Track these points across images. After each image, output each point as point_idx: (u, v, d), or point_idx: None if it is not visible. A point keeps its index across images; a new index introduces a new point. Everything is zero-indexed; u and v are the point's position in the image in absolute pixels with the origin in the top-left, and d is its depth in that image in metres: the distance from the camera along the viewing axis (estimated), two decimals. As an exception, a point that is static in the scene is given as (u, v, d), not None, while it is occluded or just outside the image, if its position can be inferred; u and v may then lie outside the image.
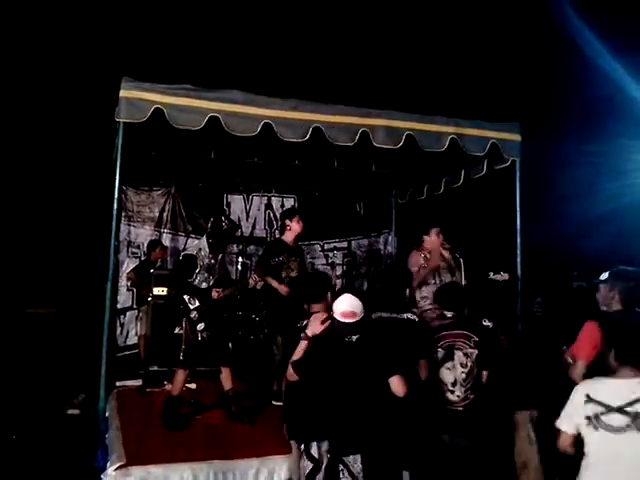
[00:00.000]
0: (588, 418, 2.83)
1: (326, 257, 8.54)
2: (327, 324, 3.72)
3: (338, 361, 3.62)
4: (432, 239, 5.69)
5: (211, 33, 8.50)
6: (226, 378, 5.33)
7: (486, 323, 4.39)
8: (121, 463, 4.09)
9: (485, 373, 4.10)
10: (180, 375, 5.26)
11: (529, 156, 5.85)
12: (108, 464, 4.13)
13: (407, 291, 4.65)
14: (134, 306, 7.64)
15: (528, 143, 5.83)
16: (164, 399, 5.34)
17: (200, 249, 5.39)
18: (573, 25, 7.84)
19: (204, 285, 5.30)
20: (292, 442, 3.97)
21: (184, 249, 7.82)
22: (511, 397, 4.17)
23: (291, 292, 5.53)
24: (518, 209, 5.93)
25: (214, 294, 5.22)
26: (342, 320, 3.65)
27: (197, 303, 5.22)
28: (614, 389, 2.86)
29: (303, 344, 3.72)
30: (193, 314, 5.22)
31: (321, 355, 3.69)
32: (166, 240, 7.90)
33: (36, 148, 8.36)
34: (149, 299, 6.87)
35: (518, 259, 5.83)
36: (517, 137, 5.80)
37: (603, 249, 6.34)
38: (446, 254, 5.68)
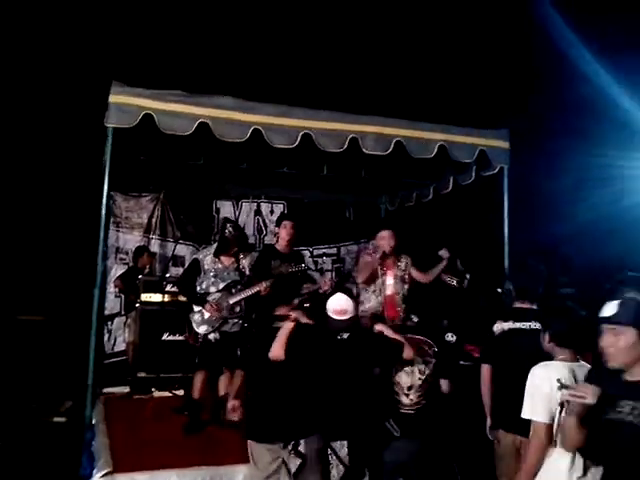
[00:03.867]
0: (561, 404, 2.77)
1: (315, 263, 8.54)
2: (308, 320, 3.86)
3: (330, 356, 3.84)
4: (378, 243, 5.71)
5: (201, 38, 8.49)
6: (223, 383, 5.35)
7: (449, 338, 4.47)
8: (108, 470, 4.07)
9: (445, 382, 4.18)
10: (197, 378, 5.31)
11: (516, 163, 5.89)
12: (94, 471, 4.11)
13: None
14: (122, 312, 7.61)
15: (516, 150, 5.87)
16: (185, 402, 5.40)
17: (207, 254, 5.44)
18: (559, 30, 7.90)
19: (212, 289, 5.33)
20: (259, 444, 3.92)
21: (173, 255, 7.83)
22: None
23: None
24: (506, 216, 5.93)
25: (207, 307, 5.22)
26: (335, 317, 3.89)
27: (199, 307, 5.26)
28: (572, 372, 2.87)
29: (289, 325, 3.82)
30: (196, 317, 5.25)
31: (313, 349, 3.91)
32: (155, 246, 7.88)
33: (23, 153, 8.31)
34: (137, 305, 6.85)
35: (506, 265, 5.85)
36: (505, 144, 5.82)
37: (589, 256, 6.38)
38: (398, 262, 5.73)
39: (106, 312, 7.49)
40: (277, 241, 5.84)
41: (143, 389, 6.29)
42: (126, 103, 4.70)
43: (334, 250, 8.82)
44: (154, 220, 7.91)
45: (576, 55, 7.82)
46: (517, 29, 8.49)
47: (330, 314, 3.94)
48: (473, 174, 6.29)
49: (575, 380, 2.83)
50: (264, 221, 8.34)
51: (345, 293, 4.02)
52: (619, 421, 2.45)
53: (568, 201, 7.37)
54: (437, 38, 8.84)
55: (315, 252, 8.65)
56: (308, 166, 6.86)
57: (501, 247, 5.94)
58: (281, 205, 8.47)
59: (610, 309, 2.57)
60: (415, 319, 4.49)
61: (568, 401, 2.61)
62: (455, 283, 5.64)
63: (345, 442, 3.83)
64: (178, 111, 4.79)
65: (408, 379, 4.13)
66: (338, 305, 3.94)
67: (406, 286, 5.68)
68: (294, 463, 3.80)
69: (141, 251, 7.46)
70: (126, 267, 7.60)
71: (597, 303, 2.66)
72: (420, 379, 4.13)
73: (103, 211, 4.95)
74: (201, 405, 5.28)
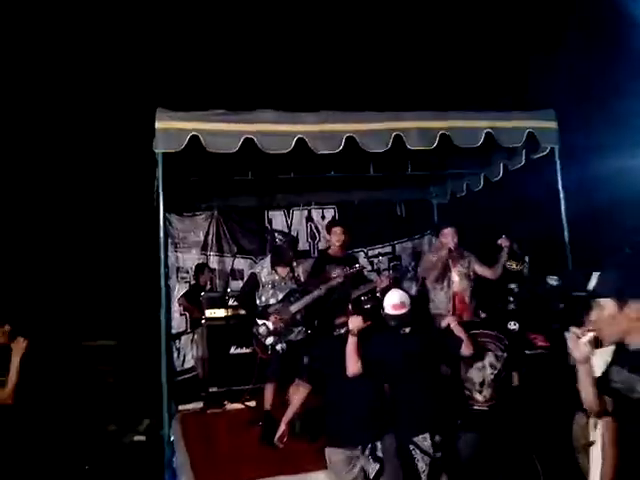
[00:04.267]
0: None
1: (371, 263, 8.52)
2: (368, 322, 3.93)
3: (397, 352, 3.94)
4: (442, 241, 5.67)
5: (236, 56, 8.64)
6: (294, 393, 5.40)
7: (512, 327, 4.41)
8: (191, 485, 4.18)
9: (515, 374, 4.13)
10: (267, 389, 5.40)
11: (566, 142, 5.74)
12: (178, 487, 4.23)
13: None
14: (188, 330, 7.78)
15: (565, 129, 5.72)
16: (258, 414, 5.45)
17: (263, 267, 5.53)
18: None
19: (272, 301, 5.41)
20: (336, 450, 3.96)
21: (232, 270, 7.95)
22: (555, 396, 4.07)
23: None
24: (562, 197, 5.81)
25: (271, 319, 5.29)
26: (393, 312, 4.03)
27: (263, 320, 5.34)
28: None
29: (353, 339, 3.86)
30: (262, 329, 5.32)
31: (378, 348, 3.99)
32: (213, 263, 8.03)
33: (84, 187, 8.63)
34: (202, 322, 7.00)
35: (567, 251, 5.71)
36: (553, 124, 5.70)
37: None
38: (461, 260, 5.68)
39: (173, 331, 7.65)
40: (329, 247, 5.91)
41: (216, 403, 6.41)
42: (172, 128, 4.85)
43: (389, 249, 8.76)
44: (210, 237, 8.04)
45: (624, 22, 7.51)
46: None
47: (388, 310, 4.07)
48: (523, 158, 6.17)
49: None
50: (316, 227, 8.35)
51: (400, 289, 4.11)
52: (615, 389, 2.47)
53: (623, 175, 7.12)
54: (470, 24, 8.72)
55: (370, 253, 8.62)
56: (355, 168, 6.87)
57: (560, 229, 5.80)
58: (332, 209, 8.48)
59: (591, 283, 2.55)
60: (483, 315, 4.43)
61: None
62: (514, 266, 5.58)
63: (427, 435, 3.85)
64: (223, 130, 4.91)
65: (480, 375, 4.09)
66: (395, 300, 4.07)
67: (471, 282, 5.67)
68: (372, 467, 3.83)
69: (201, 268, 7.63)
70: (188, 285, 7.78)
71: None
72: (492, 374, 4.09)
73: (161, 234, 5.10)
74: (273, 415, 5.35)
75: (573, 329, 2.53)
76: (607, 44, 7.79)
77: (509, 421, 4.06)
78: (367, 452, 3.87)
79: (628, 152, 7.33)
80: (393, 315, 4.06)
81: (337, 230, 5.80)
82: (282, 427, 4.17)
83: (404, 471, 3.84)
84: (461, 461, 4.01)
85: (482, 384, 4.08)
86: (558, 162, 5.76)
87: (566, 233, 5.74)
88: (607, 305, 2.48)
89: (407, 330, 4.04)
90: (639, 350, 2.42)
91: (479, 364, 4.10)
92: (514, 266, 5.67)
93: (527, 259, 5.86)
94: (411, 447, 3.84)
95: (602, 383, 2.52)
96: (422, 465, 3.82)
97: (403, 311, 4.04)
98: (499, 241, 5.67)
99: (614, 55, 7.65)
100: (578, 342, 2.48)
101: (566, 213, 5.77)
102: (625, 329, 2.46)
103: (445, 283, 5.60)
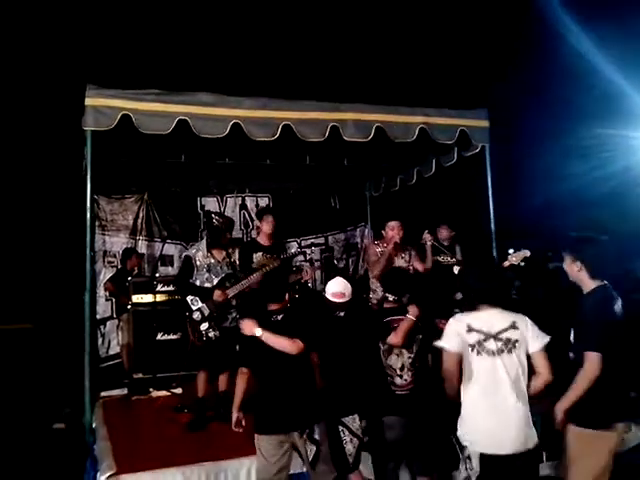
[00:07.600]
0: (472, 345, 3.34)
1: (304, 254, 8.55)
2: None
3: (330, 334, 4.05)
4: (388, 234, 5.72)
5: (176, 35, 8.42)
6: (223, 380, 5.36)
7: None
8: (112, 472, 4.06)
9: (429, 356, 4.25)
10: (200, 376, 5.33)
11: (498, 140, 5.91)
12: (98, 474, 4.10)
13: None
14: (114, 316, 7.59)
15: (496, 127, 5.88)
16: (185, 401, 5.47)
17: (198, 250, 5.42)
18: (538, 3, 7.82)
19: (207, 285, 5.30)
20: (267, 437, 3.89)
21: (161, 255, 7.79)
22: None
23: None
24: (490, 194, 5.98)
25: (217, 294, 5.19)
26: (333, 300, 4.14)
27: (200, 304, 5.22)
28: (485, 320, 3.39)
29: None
30: (196, 315, 5.22)
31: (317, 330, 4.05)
32: (142, 247, 7.85)
33: (4, 161, 8.22)
34: (129, 307, 6.84)
35: (493, 244, 5.89)
36: (485, 123, 5.84)
37: (573, 229, 6.42)
38: (402, 253, 5.75)
39: (98, 316, 7.47)
40: (259, 234, 5.87)
41: (141, 390, 6.29)
42: (103, 105, 4.67)
43: (322, 240, 8.82)
44: (140, 221, 7.87)
45: (556, 27, 7.77)
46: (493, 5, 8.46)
47: (329, 297, 4.16)
48: (455, 155, 6.31)
49: None
50: (250, 215, 8.31)
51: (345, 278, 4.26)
52: None
53: (548, 174, 7.40)
54: (410, 20, 8.82)
55: (303, 243, 8.65)
56: (291, 157, 6.85)
57: (487, 225, 5.97)
58: (266, 198, 8.45)
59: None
60: (390, 298, 4.41)
61: None
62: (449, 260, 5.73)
63: (356, 416, 3.92)
64: (156, 110, 4.77)
65: (398, 360, 4.15)
66: (335, 288, 4.16)
67: None
68: (310, 450, 3.82)
69: (129, 253, 7.43)
70: (115, 270, 7.58)
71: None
72: (410, 357, 4.15)
73: (88, 215, 4.91)
74: (205, 403, 5.29)
75: None
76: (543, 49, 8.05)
77: (429, 403, 4.14)
78: (305, 435, 3.86)
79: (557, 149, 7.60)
80: (332, 302, 4.15)
81: (268, 218, 5.76)
82: (234, 415, 4.05)
83: (332, 453, 3.87)
84: (386, 445, 4.07)
85: (402, 368, 4.14)
86: (488, 160, 5.92)
87: (493, 229, 5.93)
88: None
89: (341, 314, 4.15)
90: None
91: (397, 350, 4.15)
92: (448, 259, 5.86)
93: (458, 249, 6.07)
94: (340, 428, 3.87)
95: None
96: (350, 447, 3.86)
97: (342, 300, 4.14)
98: (423, 236, 5.79)
99: (548, 61, 7.92)
100: None
101: (494, 209, 5.95)
102: None
103: None
